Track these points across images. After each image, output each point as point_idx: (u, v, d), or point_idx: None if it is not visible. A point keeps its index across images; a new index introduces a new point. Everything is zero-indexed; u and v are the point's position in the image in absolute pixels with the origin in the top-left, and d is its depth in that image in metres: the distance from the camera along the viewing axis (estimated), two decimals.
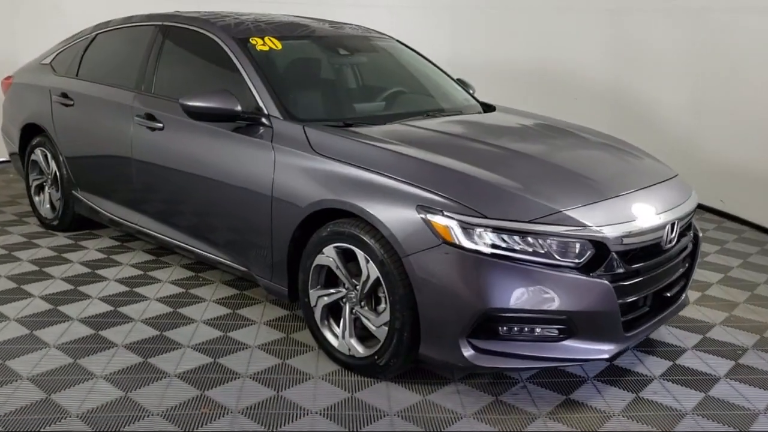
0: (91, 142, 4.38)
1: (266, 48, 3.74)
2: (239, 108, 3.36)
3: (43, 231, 4.95)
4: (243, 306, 3.75)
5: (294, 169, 3.19)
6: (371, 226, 2.89)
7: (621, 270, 2.79)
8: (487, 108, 4.20)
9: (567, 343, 2.76)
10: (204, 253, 3.80)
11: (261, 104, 3.44)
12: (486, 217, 2.67)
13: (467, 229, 2.67)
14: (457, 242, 2.67)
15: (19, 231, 4.92)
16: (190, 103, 3.38)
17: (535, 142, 3.53)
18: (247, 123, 3.42)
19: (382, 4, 8.17)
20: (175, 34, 4.07)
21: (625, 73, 6.78)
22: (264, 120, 3.39)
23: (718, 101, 5.88)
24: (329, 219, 3.09)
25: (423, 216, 2.73)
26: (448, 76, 4.51)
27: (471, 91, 4.50)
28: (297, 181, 3.16)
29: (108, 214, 4.42)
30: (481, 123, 3.84)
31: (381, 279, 2.88)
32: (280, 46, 3.81)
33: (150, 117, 3.89)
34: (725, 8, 5.79)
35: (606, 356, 2.81)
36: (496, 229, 2.66)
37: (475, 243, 2.66)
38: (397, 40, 4.58)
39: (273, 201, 3.25)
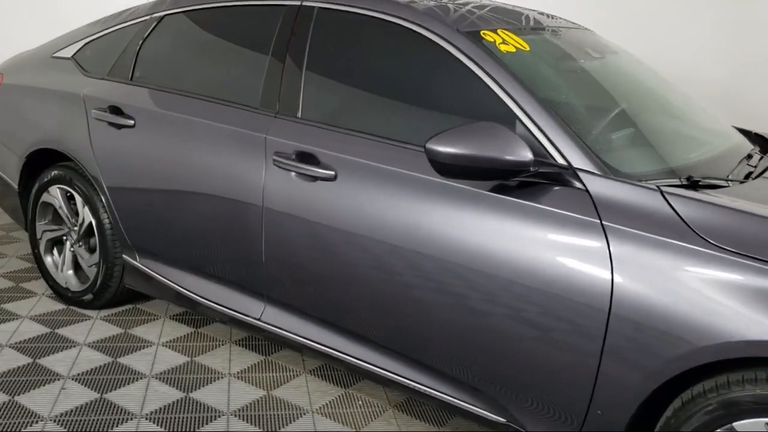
0: (173, 187, 2.78)
1: (512, 49, 2.30)
2: (530, 157, 1.93)
3: (63, 308, 3.30)
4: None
5: (662, 271, 1.79)
6: None
7: None
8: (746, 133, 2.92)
9: None
10: (393, 375, 2.35)
11: (551, 148, 2.01)
12: None
13: None
14: None
15: (27, 310, 3.25)
16: (450, 151, 1.92)
17: None
18: (523, 180, 2.00)
19: None
20: (332, 23, 2.53)
21: (745, 73, 5.63)
22: (569, 177, 1.96)
23: None
24: (734, 366, 1.73)
25: None
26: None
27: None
28: (676, 294, 1.76)
29: (188, 293, 2.87)
30: None
31: None
32: (527, 47, 2.37)
33: (307, 159, 2.38)
34: None
35: None
36: None
37: None
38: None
39: (611, 321, 1.84)
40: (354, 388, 2.77)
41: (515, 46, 2.31)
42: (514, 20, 2.54)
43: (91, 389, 2.63)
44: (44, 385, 2.64)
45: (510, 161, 1.91)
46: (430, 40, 2.28)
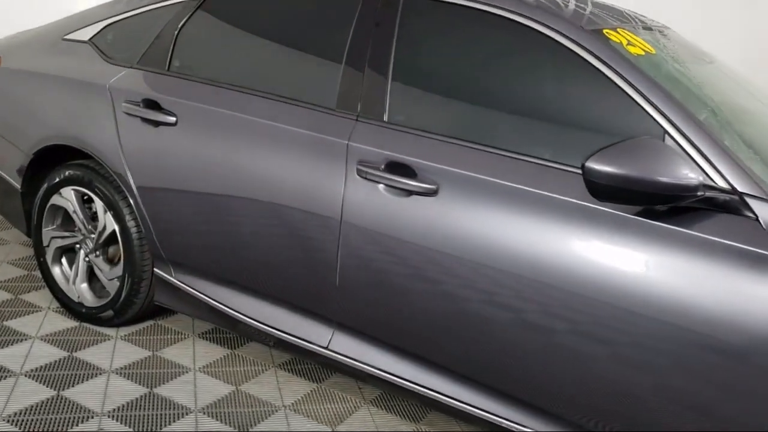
0: (224, 194, 2.43)
1: (640, 51, 2.04)
2: (700, 180, 1.68)
3: (75, 326, 2.91)
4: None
5: None
6: None
7: None
8: None
9: None
10: (501, 420, 2.08)
11: (710, 170, 1.76)
12: None
13: None
14: None
15: (35, 329, 2.84)
16: (614, 171, 1.66)
17: None
18: (672, 205, 1.74)
19: None
20: (424, 13, 2.23)
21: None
22: (735, 204, 1.72)
23: None
24: None
25: None
26: None
27: None
28: None
29: (235, 314, 2.54)
30: None
31: None
32: (652, 50, 2.11)
33: (401, 170, 2.07)
34: None
35: None
36: None
37: None
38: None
39: None
40: (424, 423, 2.49)
41: (642, 49, 2.05)
42: (622, 18, 2.28)
43: (135, 429, 2.28)
44: (78, 425, 2.27)
45: (678, 185, 1.65)
46: (550, 38, 2.01)
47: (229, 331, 2.90)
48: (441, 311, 2.09)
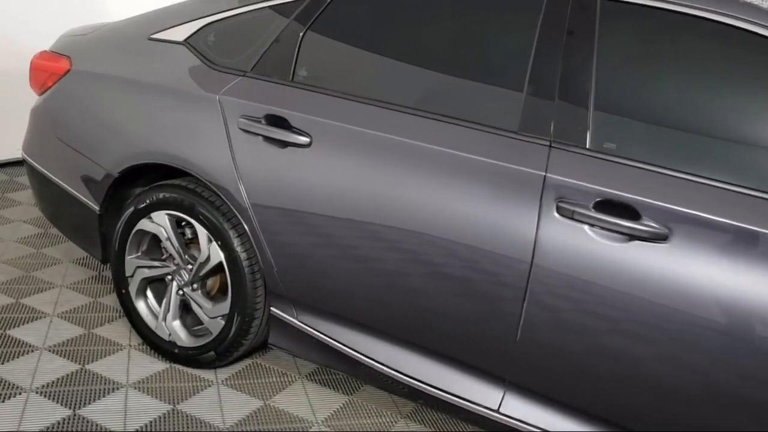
0: (373, 228, 2.07)
1: None
2: None
3: (165, 367, 2.54)
4: None
5: None
6: None
7: None
8: None
9: None
10: None
11: None
12: None
13: None
14: None
15: (122, 373, 2.47)
16: None
17: None
18: None
19: None
20: (631, 22, 1.89)
21: None
22: None
23: None
24: None
25: None
26: None
27: None
28: None
29: (372, 363, 2.20)
30: None
31: None
32: None
33: (613, 209, 1.74)
34: None
35: None
36: None
37: None
38: None
39: None
40: None
41: None
42: None
43: None
44: None
45: None
46: None
47: (339, 372, 2.56)
48: (655, 376, 1.77)
